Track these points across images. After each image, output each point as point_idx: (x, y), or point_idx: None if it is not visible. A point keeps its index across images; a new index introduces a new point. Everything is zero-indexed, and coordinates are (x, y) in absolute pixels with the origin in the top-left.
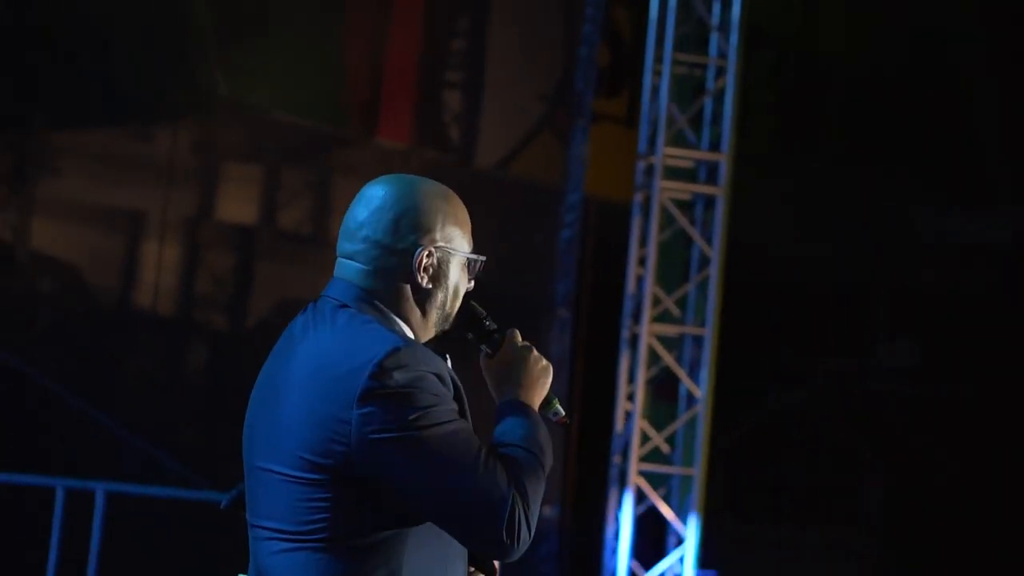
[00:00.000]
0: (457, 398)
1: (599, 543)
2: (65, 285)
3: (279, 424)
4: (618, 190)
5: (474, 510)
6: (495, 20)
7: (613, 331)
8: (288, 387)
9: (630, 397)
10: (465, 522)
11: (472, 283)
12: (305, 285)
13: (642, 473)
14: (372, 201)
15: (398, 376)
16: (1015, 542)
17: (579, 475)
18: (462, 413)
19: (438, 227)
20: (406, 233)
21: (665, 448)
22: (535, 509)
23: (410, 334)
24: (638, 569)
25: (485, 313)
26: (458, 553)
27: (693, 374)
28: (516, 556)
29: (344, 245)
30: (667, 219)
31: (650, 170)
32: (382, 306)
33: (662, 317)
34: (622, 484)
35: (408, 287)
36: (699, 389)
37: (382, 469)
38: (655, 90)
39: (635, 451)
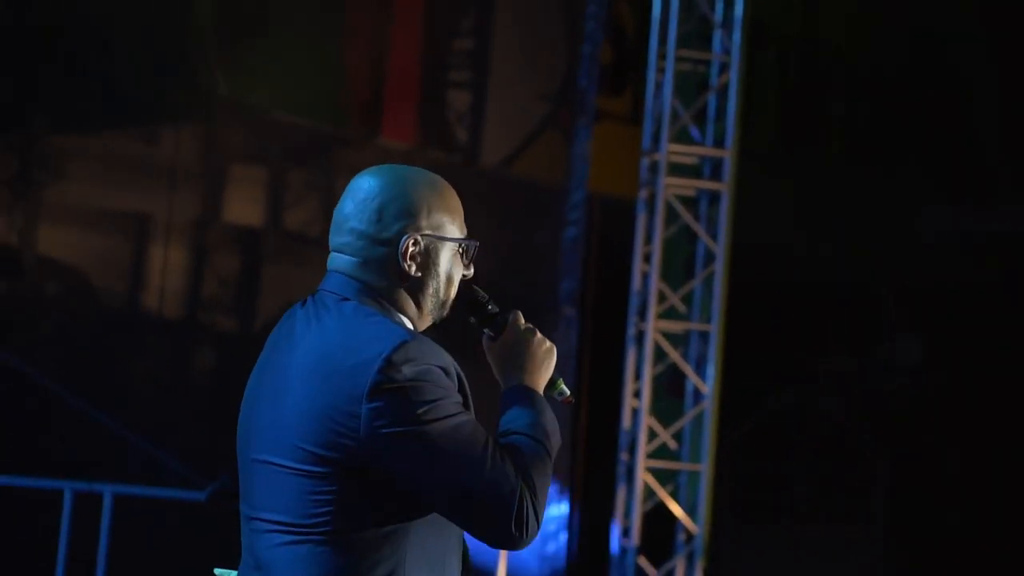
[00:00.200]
0: (461, 391)
1: (607, 540)
2: (71, 288)
3: (281, 417)
4: (622, 187)
5: (483, 503)
6: (497, 19)
7: (619, 328)
8: (290, 380)
9: (637, 394)
10: (474, 515)
11: (472, 270)
12: (311, 286)
13: (649, 470)
14: (358, 192)
15: (407, 370)
16: (1021, 538)
17: (587, 472)
18: (466, 406)
19: (423, 215)
20: (391, 222)
21: (672, 444)
22: (543, 499)
23: (409, 324)
24: (647, 566)
25: (487, 297)
26: (456, 545)
27: (699, 370)
28: (525, 546)
29: (334, 238)
30: (672, 216)
31: (654, 167)
32: (380, 297)
33: (668, 314)
34: (630, 481)
35: (398, 277)
36: (705, 385)
37: (391, 463)
38: (659, 87)
39: (642, 448)
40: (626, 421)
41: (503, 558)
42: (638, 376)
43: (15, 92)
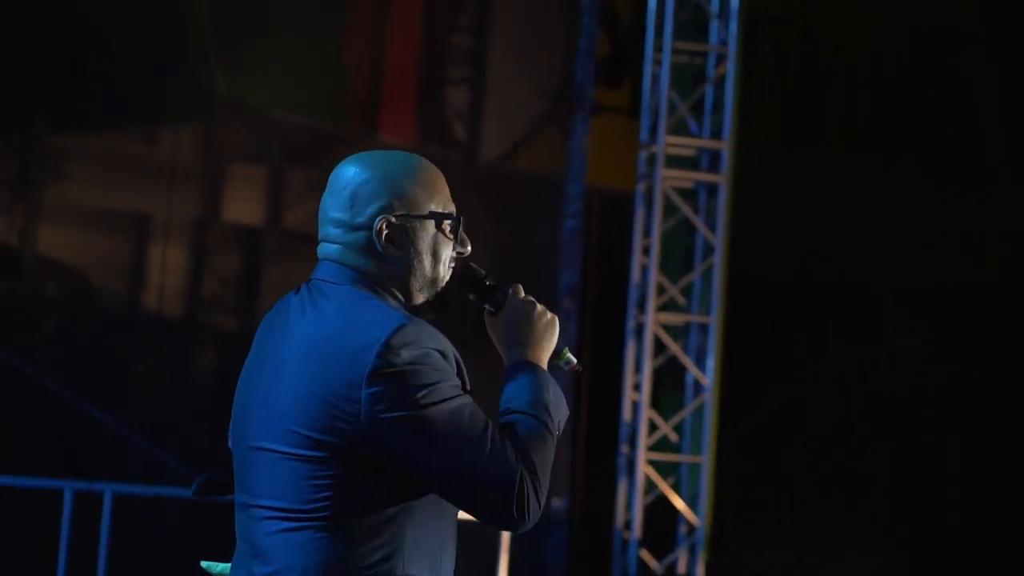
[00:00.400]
0: (459, 374)
1: (609, 533)
2: (71, 288)
3: (278, 403)
4: (621, 180)
5: (484, 486)
6: (495, 16)
7: (618, 321)
8: (287, 366)
9: (637, 387)
10: (475, 497)
11: (468, 247)
12: None
13: (650, 462)
14: (335, 182)
15: (405, 354)
16: (1021, 536)
17: (588, 465)
18: (464, 388)
19: (395, 195)
20: (363, 207)
21: (673, 437)
22: (544, 479)
23: (401, 305)
24: (648, 558)
25: (484, 272)
26: (453, 530)
27: (699, 362)
28: (527, 528)
29: (320, 228)
30: (670, 208)
31: (652, 159)
32: (370, 281)
33: (667, 306)
34: (631, 474)
35: (380, 259)
36: (706, 377)
37: (392, 448)
38: (655, 79)
39: (643, 440)
40: (626, 414)
41: (504, 552)
42: (638, 369)
43: (15, 92)
